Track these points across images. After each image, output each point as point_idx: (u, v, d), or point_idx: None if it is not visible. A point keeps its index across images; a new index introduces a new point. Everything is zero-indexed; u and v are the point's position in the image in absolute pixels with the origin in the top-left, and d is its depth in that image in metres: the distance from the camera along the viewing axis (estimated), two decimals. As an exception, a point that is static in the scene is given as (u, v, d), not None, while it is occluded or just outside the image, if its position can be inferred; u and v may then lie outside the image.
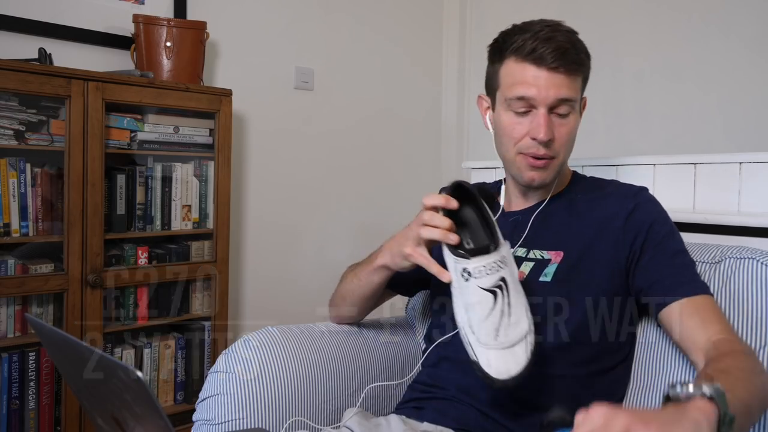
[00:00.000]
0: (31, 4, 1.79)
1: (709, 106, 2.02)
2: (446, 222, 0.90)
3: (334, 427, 1.05)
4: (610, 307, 1.01)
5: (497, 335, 0.84)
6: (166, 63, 1.86)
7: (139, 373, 0.53)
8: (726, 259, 1.04)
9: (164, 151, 1.87)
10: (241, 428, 1.04)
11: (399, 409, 1.09)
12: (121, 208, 1.79)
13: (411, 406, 1.06)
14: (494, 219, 0.93)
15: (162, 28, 1.85)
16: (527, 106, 1.00)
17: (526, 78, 0.99)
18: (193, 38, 1.91)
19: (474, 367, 0.85)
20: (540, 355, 0.98)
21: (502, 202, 1.15)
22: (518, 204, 1.13)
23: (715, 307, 0.95)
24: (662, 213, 1.04)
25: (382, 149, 2.66)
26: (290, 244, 2.40)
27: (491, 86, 1.08)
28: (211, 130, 1.95)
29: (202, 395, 1.10)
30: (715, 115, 2.01)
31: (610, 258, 1.01)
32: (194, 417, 1.09)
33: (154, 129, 1.83)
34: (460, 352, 1.04)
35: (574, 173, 1.16)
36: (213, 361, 1.71)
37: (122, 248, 1.80)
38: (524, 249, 1.06)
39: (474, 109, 2.76)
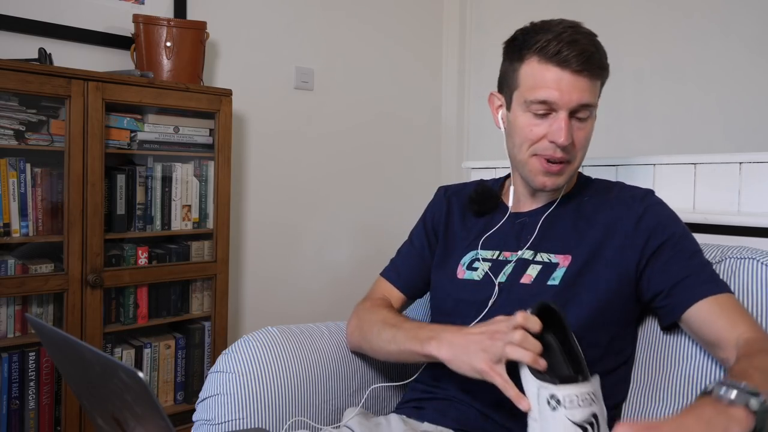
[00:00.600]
0: (31, 4, 1.79)
1: (709, 106, 2.02)
2: (538, 346, 0.81)
3: (334, 427, 1.05)
4: (615, 309, 1.01)
5: None
6: (166, 63, 1.86)
7: (140, 374, 0.53)
8: (726, 259, 1.04)
9: (164, 151, 1.87)
10: (241, 428, 1.03)
11: (399, 409, 1.09)
12: (121, 208, 1.79)
13: (411, 406, 1.06)
14: (580, 348, 0.84)
15: (162, 28, 1.85)
16: (548, 109, 0.99)
17: (549, 81, 0.97)
18: (193, 38, 1.91)
19: None
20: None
21: (509, 202, 1.14)
22: (525, 205, 1.12)
23: (739, 304, 0.95)
24: (673, 215, 1.04)
25: (381, 149, 2.66)
26: (290, 244, 2.40)
27: (508, 85, 1.05)
28: (211, 130, 1.95)
29: (202, 395, 1.10)
30: (715, 115, 2.01)
31: (617, 261, 1.00)
32: (194, 417, 1.09)
33: (154, 129, 1.83)
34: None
35: (580, 174, 1.15)
36: (213, 361, 1.71)
37: (122, 248, 1.80)
38: (531, 252, 1.05)
39: (474, 109, 2.76)
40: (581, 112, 0.99)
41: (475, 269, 1.09)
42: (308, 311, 2.40)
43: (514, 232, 1.10)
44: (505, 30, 1.08)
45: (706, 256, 1.04)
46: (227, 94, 1.93)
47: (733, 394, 0.64)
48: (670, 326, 1.01)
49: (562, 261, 1.02)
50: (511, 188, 1.14)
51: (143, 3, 1.99)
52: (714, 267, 1.02)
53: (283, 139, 2.36)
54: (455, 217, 1.20)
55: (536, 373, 0.79)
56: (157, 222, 1.87)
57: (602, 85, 1.04)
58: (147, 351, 1.86)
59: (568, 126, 0.98)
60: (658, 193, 1.08)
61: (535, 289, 1.01)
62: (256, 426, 1.04)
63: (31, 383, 1.63)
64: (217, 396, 1.06)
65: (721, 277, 0.99)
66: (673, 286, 0.97)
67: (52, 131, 1.65)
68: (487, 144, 2.69)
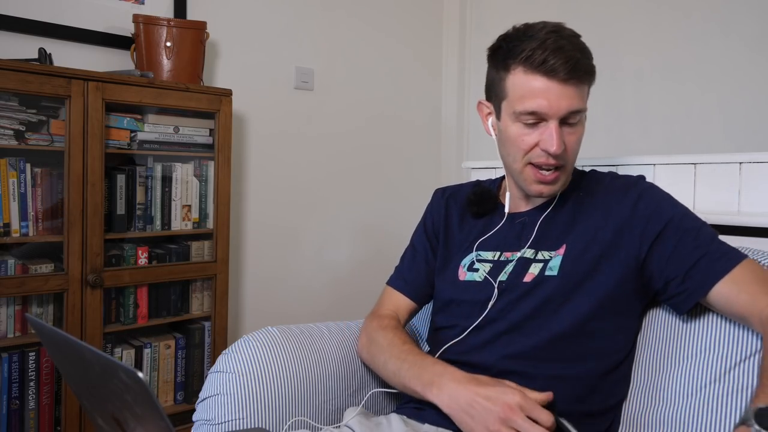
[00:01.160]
0: (31, 4, 1.79)
1: (709, 106, 2.02)
2: None
3: (334, 427, 1.05)
4: (617, 299, 1.01)
5: None
6: (166, 63, 1.86)
7: (140, 374, 0.53)
8: (726, 259, 1.04)
9: (164, 151, 1.87)
10: (241, 428, 1.03)
11: (400, 409, 1.09)
12: (121, 208, 1.79)
13: (412, 406, 1.06)
14: None
15: (162, 28, 1.85)
16: (537, 118, 0.99)
17: (537, 91, 0.97)
18: (193, 38, 1.91)
19: None
20: (546, 351, 0.98)
21: (507, 202, 1.14)
22: (524, 205, 1.13)
23: (757, 270, 0.94)
24: (667, 196, 1.04)
25: (381, 149, 2.66)
26: (290, 244, 2.41)
27: (496, 94, 1.05)
28: (211, 130, 1.95)
29: (202, 395, 1.10)
30: (715, 115, 2.01)
31: (616, 250, 1.00)
32: (194, 417, 1.09)
33: (154, 129, 1.83)
34: (462, 354, 1.04)
35: (575, 169, 1.15)
36: (213, 361, 1.71)
37: (122, 248, 1.80)
38: (533, 251, 1.06)
39: (474, 110, 2.76)
40: (571, 118, 0.99)
41: (476, 270, 1.09)
42: (308, 311, 2.40)
43: (515, 232, 1.10)
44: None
45: None
46: (227, 94, 1.93)
47: None
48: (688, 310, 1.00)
49: (559, 251, 1.03)
50: (508, 191, 1.15)
51: (143, 3, 1.99)
52: None
53: (283, 139, 2.36)
54: (454, 219, 1.20)
55: None
56: (157, 222, 1.87)
57: (591, 86, 1.03)
58: (147, 351, 1.86)
59: (560, 134, 0.98)
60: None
61: (536, 284, 1.01)
62: (256, 426, 1.04)
63: (31, 383, 1.63)
64: (217, 396, 1.06)
65: None
66: (687, 270, 0.96)
67: (52, 131, 1.65)
68: (487, 144, 2.67)
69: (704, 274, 0.95)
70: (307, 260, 2.45)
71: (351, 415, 1.05)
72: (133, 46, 1.88)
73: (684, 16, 2.08)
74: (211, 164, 1.95)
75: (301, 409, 1.10)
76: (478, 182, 1.26)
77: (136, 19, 1.86)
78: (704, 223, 1.01)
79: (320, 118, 2.46)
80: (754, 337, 0.95)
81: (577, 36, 1.00)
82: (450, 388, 0.92)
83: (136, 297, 1.83)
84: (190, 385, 1.94)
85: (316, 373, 1.13)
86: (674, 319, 1.04)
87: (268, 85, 2.31)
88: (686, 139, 2.07)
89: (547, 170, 1.02)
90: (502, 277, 1.05)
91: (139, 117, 1.81)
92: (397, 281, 1.23)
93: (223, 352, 1.12)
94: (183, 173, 1.92)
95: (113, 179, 1.77)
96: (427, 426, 1.00)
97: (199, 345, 1.96)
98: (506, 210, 1.13)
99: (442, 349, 1.07)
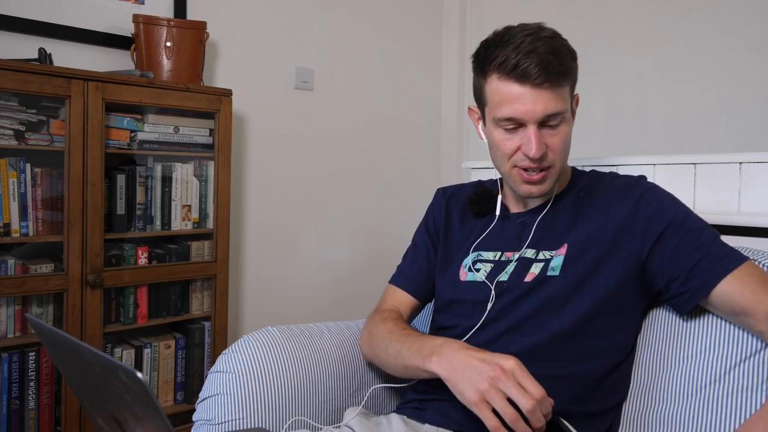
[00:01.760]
0: (31, 4, 1.79)
1: (709, 106, 2.02)
2: (515, 414, 0.83)
3: (335, 427, 1.05)
4: (619, 298, 1.01)
5: None
6: (166, 63, 1.86)
7: (140, 374, 0.53)
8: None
9: (164, 151, 1.87)
10: (241, 428, 1.03)
11: (400, 409, 1.09)
12: (121, 208, 1.79)
13: (412, 406, 1.06)
14: None
15: (162, 28, 1.85)
16: (515, 123, 1.00)
17: (511, 97, 0.97)
18: (193, 38, 1.91)
19: None
20: (547, 351, 0.98)
21: (508, 202, 1.15)
22: (524, 206, 1.13)
23: (758, 271, 0.94)
24: (669, 196, 1.04)
25: (381, 149, 2.66)
26: (290, 244, 2.41)
27: (479, 100, 1.07)
28: (211, 130, 1.95)
29: (202, 395, 1.10)
30: (715, 115, 2.01)
31: (618, 249, 1.00)
32: (194, 417, 1.09)
33: (154, 129, 1.83)
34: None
35: (574, 169, 1.16)
36: (213, 361, 1.72)
37: (122, 248, 1.80)
38: (533, 250, 1.06)
39: (474, 109, 2.76)
40: (551, 120, 0.99)
41: (477, 270, 1.09)
42: (308, 311, 2.40)
43: (515, 231, 1.10)
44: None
45: None
46: (227, 94, 1.93)
47: None
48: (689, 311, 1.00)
49: (560, 251, 1.03)
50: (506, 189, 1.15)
51: (143, 3, 1.99)
52: None
53: (283, 139, 2.36)
54: (455, 219, 1.21)
55: None
56: (157, 222, 1.87)
57: (573, 84, 1.03)
58: (147, 351, 1.86)
59: (538, 138, 0.98)
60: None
61: (536, 283, 1.01)
62: (256, 426, 1.04)
63: (31, 383, 1.63)
64: (217, 396, 1.06)
65: None
66: (689, 270, 0.96)
67: (52, 131, 1.65)
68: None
69: (707, 274, 0.95)
70: (307, 260, 2.45)
71: (351, 415, 1.05)
72: (133, 46, 1.88)
73: (684, 16, 2.08)
74: (211, 164, 1.95)
75: (301, 409, 1.10)
76: (479, 182, 1.27)
77: (136, 19, 1.86)
78: (706, 224, 1.01)
79: (320, 118, 2.46)
80: (754, 338, 0.95)
81: (555, 37, 0.99)
82: (449, 355, 0.91)
83: (136, 297, 1.83)
84: (190, 385, 1.94)
85: (316, 373, 1.13)
86: (674, 319, 1.04)
87: (268, 85, 2.31)
88: (686, 139, 2.07)
89: (534, 171, 1.02)
90: (503, 277, 1.05)
91: (139, 117, 1.81)
92: (398, 279, 1.23)
93: (223, 352, 1.12)
94: (183, 173, 1.92)
95: (113, 179, 1.77)
96: (427, 426, 1.00)
97: (199, 345, 1.96)
98: (499, 211, 1.14)
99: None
